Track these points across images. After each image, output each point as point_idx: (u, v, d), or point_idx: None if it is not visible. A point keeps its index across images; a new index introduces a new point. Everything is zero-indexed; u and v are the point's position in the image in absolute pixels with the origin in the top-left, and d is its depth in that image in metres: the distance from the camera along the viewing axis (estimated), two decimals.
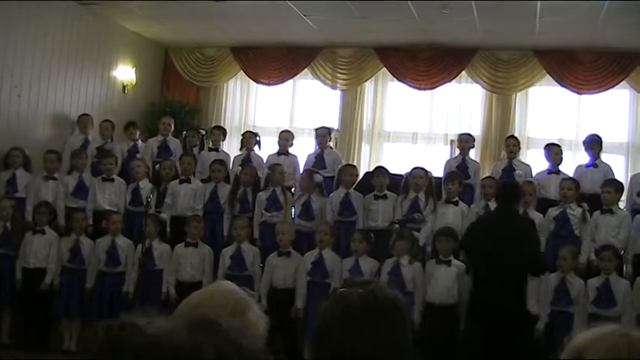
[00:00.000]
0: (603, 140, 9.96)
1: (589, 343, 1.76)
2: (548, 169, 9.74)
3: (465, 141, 10.18)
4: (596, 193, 9.00)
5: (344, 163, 10.24)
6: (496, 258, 7.14)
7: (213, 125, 11.96)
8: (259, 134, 10.89)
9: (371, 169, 9.73)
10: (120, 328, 0.99)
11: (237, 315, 2.04)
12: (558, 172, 9.62)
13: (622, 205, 9.18)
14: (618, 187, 8.93)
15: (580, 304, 7.82)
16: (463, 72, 12.18)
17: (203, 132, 11.48)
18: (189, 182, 9.68)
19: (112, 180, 9.75)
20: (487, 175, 9.90)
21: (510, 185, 8.02)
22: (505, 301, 7.12)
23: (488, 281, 7.20)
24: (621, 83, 11.60)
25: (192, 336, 0.94)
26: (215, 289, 2.41)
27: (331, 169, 10.04)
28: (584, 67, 11.72)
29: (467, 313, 7.72)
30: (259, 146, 10.71)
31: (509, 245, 7.15)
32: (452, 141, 11.57)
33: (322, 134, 10.41)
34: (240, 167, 9.98)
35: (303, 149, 10.88)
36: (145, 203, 8.61)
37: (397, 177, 9.32)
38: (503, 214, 7.58)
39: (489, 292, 7.15)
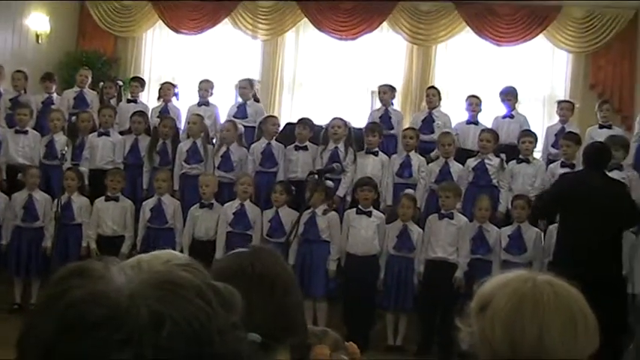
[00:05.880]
0: (523, 92, 10.10)
1: (496, 289, 1.81)
2: (467, 120, 9.89)
3: (384, 92, 10.21)
4: (512, 143, 9.24)
5: (266, 114, 10.19)
6: (591, 217, 6.91)
7: (131, 76, 11.73)
8: (177, 85, 10.72)
9: (292, 120, 9.72)
10: (67, 278, 0.95)
11: None
12: (477, 122, 9.78)
13: (537, 155, 9.44)
14: (535, 137, 9.22)
15: (497, 252, 8.06)
16: (384, 23, 12.19)
17: (120, 83, 11.23)
18: (108, 135, 9.49)
19: (26, 132, 9.47)
20: (408, 125, 9.98)
21: (599, 147, 7.69)
22: (603, 262, 6.88)
23: (583, 241, 6.92)
24: (540, 36, 11.81)
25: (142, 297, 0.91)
26: None
27: (252, 119, 10.00)
28: (503, 20, 11.90)
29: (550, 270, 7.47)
30: (177, 97, 10.57)
31: (604, 205, 6.93)
32: (373, 92, 11.61)
33: (244, 85, 10.33)
34: (158, 119, 9.84)
35: (224, 100, 10.80)
36: (59, 156, 8.44)
37: (319, 128, 9.32)
38: (592, 175, 7.25)
39: (583, 252, 6.80)
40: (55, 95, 10.65)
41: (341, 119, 9.09)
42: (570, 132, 9.17)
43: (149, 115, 10.16)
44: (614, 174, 7.83)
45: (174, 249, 8.18)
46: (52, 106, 10.23)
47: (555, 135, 9.58)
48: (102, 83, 11.01)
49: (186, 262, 1.03)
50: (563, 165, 8.68)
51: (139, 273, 0.95)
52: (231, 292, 1.00)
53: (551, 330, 1.73)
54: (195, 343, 0.89)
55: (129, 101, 10.65)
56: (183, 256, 2.00)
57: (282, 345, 1.94)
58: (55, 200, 8.26)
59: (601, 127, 9.50)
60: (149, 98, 11.78)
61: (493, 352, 1.77)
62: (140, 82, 10.95)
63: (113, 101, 10.61)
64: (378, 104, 10.69)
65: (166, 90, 10.47)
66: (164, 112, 10.15)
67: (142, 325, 0.87)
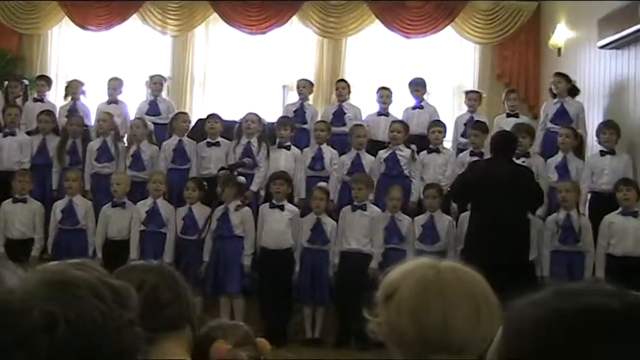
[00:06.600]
0: (432, 83, 10.26)
1: (401, 278, 1.84)
2: (378, 112, 10.00)
3: (303, 86, 10.24)
4: (423, 133, 9.39)
5: (177, 111, 10.12)
6: (501, 204, 7.12)
7: (37, 75, 11.44)
8: (84, 83, 10.52)
9: (203, 117, 9.68)
10: None
11: None
12: (387, 114, 9.90)
13: (447, 144, 9.62)
14: (444, 127, 9.41)
15: (410, 241, 8.17)
16: (294, 17, 12.20)
17: (26, 82, 10.95)
18: (14, 135, 9.28)
19: None
20: (319, 119, 10.02)
21: (506, 136, 7.95)
22: (512, 247, 7.16)
23: (493, 227, 7.15)
24: (447, 28, 12.02)
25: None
26: None
27: (165, 116, 9.92)
28: (412, 13, 12.05)
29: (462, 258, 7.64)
30: (84, 95, 10.38)
31: (513, 192, 7.18)
32: (284, 86, 11.61)
33: (158, 81, 10.28)
34: (66, 118, 9.65)
35: (134, 97, 10.66)
36: None
37: (231, 123, 9.30)
38: (500, 163, 7.50)
39: (494, 239, 7.08)
40: None
41: (255, 114, 9.09)
42: (478, 121, 9.40)
43: (57, 114, 9.95)
44: (521, 161, 8.04)
45: (86, 250, 8.11)
46: None
47: (464, 124, 9.76)
48: (6, 82, 10.72)
49: (80, 260, 1.02)
50: (472, 154, 8.87)
51: (33, 274, 0.94)
52: (127, 288, 1.00)
53: (455, 315, 1.78)
54: (91, 341, 0.88)
55: (35, 100, 10.41)
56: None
57: (165, 335, 2.00)
58: None
59: (508, 115, 9.72)
60: (57, 97, 11.50)
61: (401, 339, 1.80)
62: (47, 81, 10.70)
63: (19, 101, 10.36)
64: (290, 99, 10.72)
65: (74, 88, 10.28)
66: (73, 111, 9.98)
67: (35, 327, 0.86)
